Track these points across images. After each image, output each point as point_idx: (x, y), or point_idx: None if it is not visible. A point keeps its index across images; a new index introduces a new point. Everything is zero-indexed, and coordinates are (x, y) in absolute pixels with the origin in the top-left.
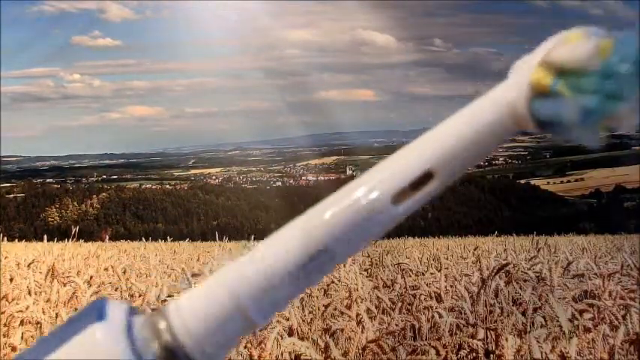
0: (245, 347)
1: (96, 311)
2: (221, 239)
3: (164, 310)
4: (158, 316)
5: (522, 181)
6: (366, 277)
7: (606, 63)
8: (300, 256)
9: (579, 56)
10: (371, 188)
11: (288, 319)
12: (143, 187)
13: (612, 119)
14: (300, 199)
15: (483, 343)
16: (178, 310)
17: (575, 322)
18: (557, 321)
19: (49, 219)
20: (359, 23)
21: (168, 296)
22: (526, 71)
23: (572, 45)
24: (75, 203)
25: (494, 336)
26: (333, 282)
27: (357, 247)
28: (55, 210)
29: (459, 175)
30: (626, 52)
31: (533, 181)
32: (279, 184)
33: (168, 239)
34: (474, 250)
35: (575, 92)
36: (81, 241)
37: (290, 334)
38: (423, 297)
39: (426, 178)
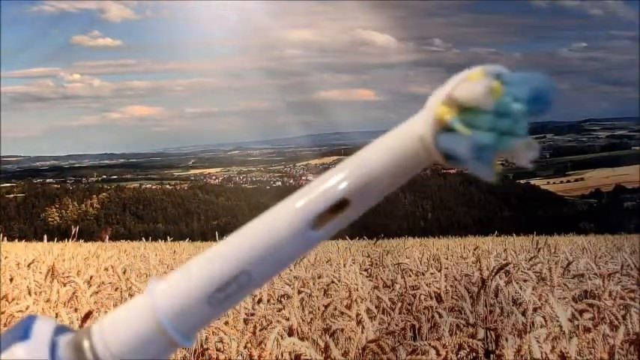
0: (245, 347)
1: (22, 330)
2: (221, 239)
3: (89, 329)
4: (83, 335)
5: (522, 181)
6: (366, 277)
7: (499, 102)
8: (220, 278)
9: (474, 95)
10: (291, 214)
11: (288, 319)
12: (143, 187)
13: (508, 154)
14: None
15: (483, 343)
16: (101, 331)
17: (575, 322)
18: (557, 321)
19: (49, 219)
20: (359, 23)
21: None
22: (433, 106)
23: (470, 84)
24: (75, 203)
25: (494, 336)
26: (333, 282)
27: (275, 271)
28: (55, 210)
29: (375, 202)
30: (517, 93)
31: (533, 181)
32: (279, 184)
33: (168, 239)
34: (474, 250)
35: (471, 129)
36: (81, 241)
37: (290, 334)
38: (423, 297)
39: (342, 204)
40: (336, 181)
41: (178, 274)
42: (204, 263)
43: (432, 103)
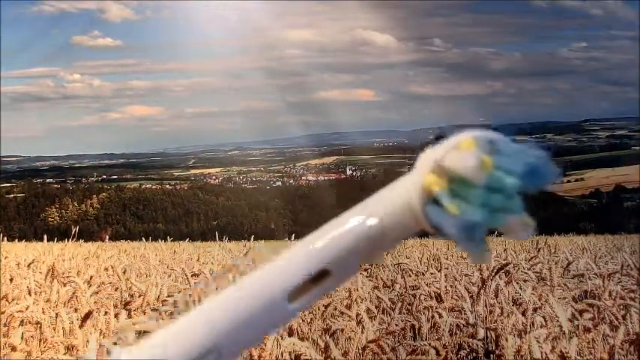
0: None
1: None
2: (221, 239)
3: None
4: None
5: None
6: (366, 277)
7: (491, 177)
8: (189, 353)
9: (464, 168)
10: (268, 285)
11: None
12: (143, 187)
13: (502, 231)
14: (300, 199)
15: (483, 343)
16: None
17: (575, 322)
18: (557, 321)
19: (49, 219)
20: (359, 23)
21: (168, 296)
22: (422, 173)
23: (460, 154)
24: (75, 203)
25: (494, 336)
26: None
27: (248, 345)
28: (55, 210)
29: (357, 270)
30: (510, 166)
31: None
32: (279, 184)
33: (168, 239)
34: None
35: (460, 203)
36: (81, 241)
37: (290, 334)
38: (423, 297)
39: (322, 275)
40: (317, 250)
41: (143, 346)
42: (170, 338)
43: (420, 168)
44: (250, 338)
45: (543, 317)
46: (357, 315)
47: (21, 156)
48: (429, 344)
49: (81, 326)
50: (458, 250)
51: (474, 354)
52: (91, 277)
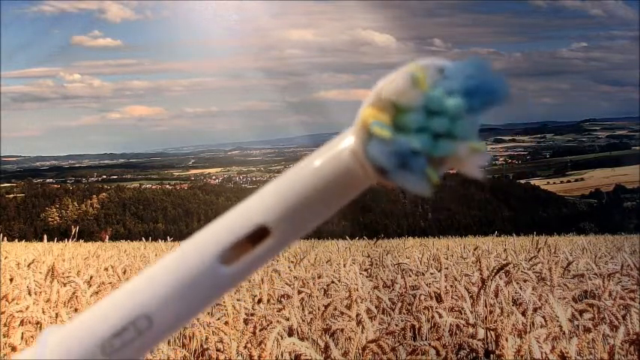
0: (245, 347)
1: None
2: None
3: None
4: None
5: (522, 181)
6: (366, 277)
7: (427, 97)
8: (114, 324)
9: (394, 88)
10: (197, 247)
11: (288, 319)
12: (143, 187)
13: (447, 161)
14: None
15: (483, 343)
16: None
17: (575, 322)
18: (557, 321)
19: (49, 219)
20: (359, 23)
21: None
22: (362, 107)
23: (392, 76)
24: (75, 203)
25: (494, 336)
26: (333, 282)
27: (183, 314)
28: (55, 210)
29: (306, 230)
30: (452, 85)
31: (533, 181)
32: None
33: (168, 239)
34: (474, 250)
35: (395, 131)
36: (81, 241)
37: (290, 334)
38: (423, 297)
39: (261, 234)
40: (251, 206)
41: (73, 321)
42: (98, 308)
43: (362, 107)
44: (184, 306)
45: (543, 317)
46: (357, 315)
47: (21, 156)
48: (429, 344)
49: None
50: (394, 183)
51: (474, 354)
52: (91, 277)
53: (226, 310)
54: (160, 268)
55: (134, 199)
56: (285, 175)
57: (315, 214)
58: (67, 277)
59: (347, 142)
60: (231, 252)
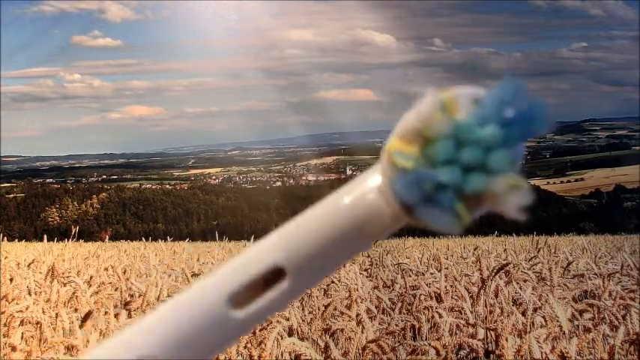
0: (245, 347)
1: None
2: (221, 239)
3: None
4: None
5: None
6: (366, 277)
7: (457, 126)
8: None
9: (422, 115)
10: (205, 289)
11: (288, 319)
12: (143, 187)
13: (481, 198)
14: (300, 199)
15: (483, 343)
16: None
17: (575, 322)
18: (557, 321)
19: (49, 219)
20: (359, 23)
21: (168, 296)
22: (389, 140)
23: (420, 105)
24: (75, 203)
25: (494, 336)
26: (333, 282)
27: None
28: (55, 210)
29: (328, 272)
30: (486, 113)
31: (533, 181)
32: (279, 184)
33: (168, 239)
34: (474, 250)
35: (422, 163)
36: (81, 241)
37: (290, 334)
38: (423, 297)
39: (275, 275)
40: (267, 245)
41: None
42: (104, 351)
43: (388, 140)
44: (191, 351)
45: (543, 317)
46: (357, 315)
47: (21, 156)
48: (429, 344)
49: (81, 326)
50: (421, 221)
51: (474, 354)
52: (91, 277)
53: None
54: (167, 309)
55: (134, 199)
56: (306, 214)
57: (336, 257)
58: (67, 277)
59: (373, 180)
60: (243, 294)
